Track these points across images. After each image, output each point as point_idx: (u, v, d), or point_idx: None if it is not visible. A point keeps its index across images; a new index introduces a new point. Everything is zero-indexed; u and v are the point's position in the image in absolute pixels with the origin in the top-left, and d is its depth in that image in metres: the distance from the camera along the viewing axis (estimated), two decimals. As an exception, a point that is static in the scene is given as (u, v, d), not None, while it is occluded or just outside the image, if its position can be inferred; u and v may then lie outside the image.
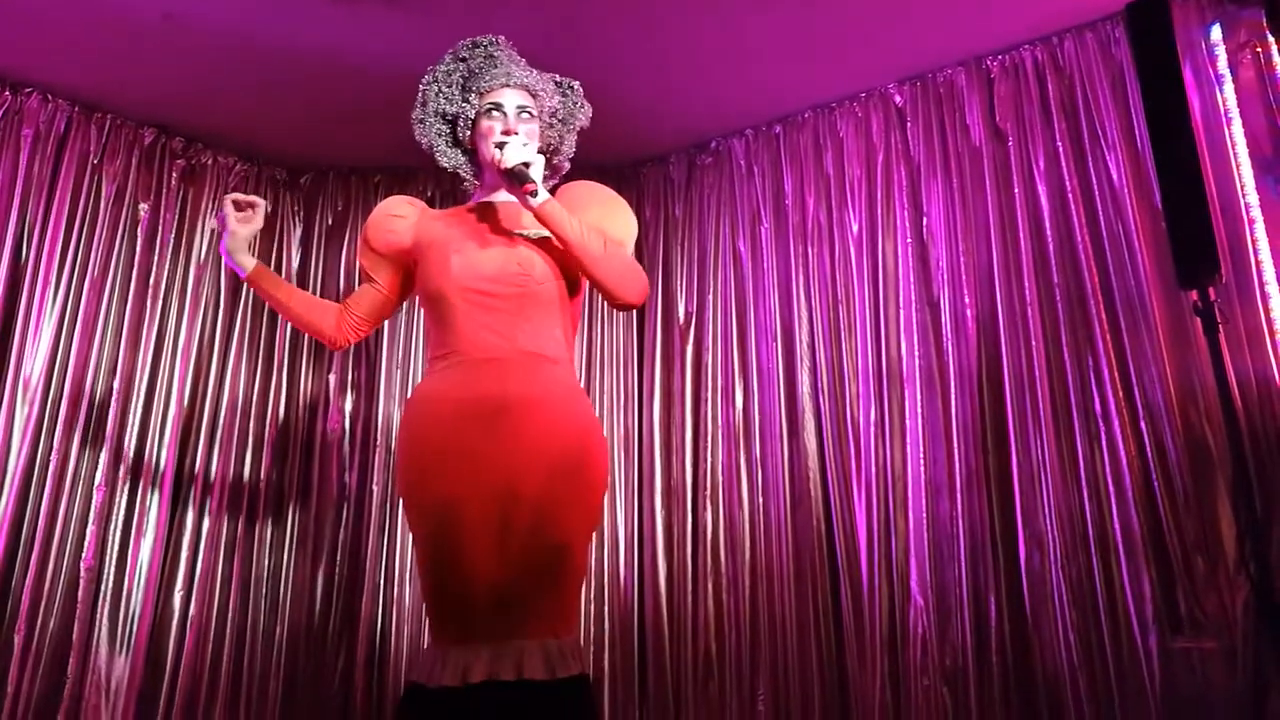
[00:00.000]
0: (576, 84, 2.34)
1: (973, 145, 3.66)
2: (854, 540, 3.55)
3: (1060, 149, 3.48)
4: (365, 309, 2.29)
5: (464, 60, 2.24)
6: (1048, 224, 3.45)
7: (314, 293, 4.28)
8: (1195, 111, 3.06)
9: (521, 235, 2.11)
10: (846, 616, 3.50)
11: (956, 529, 3.36)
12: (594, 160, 4.29)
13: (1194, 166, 2.88)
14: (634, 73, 3.73)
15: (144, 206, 3.95)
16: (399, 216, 2.24)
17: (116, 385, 3.75)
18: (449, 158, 2.24)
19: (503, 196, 2.18)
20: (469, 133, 2.20)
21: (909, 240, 3.71)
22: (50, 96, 3.76)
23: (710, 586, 3.80)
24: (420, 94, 2.24)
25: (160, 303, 3.92)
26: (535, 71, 2.25)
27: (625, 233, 2.18)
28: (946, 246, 3.63)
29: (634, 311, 4.32)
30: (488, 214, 2.18)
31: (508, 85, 2.18)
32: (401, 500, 2.12)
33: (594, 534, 2.11)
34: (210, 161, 4.19)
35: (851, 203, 3.87)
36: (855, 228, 3.84)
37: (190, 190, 4.12)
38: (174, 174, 4.08)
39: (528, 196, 2.02)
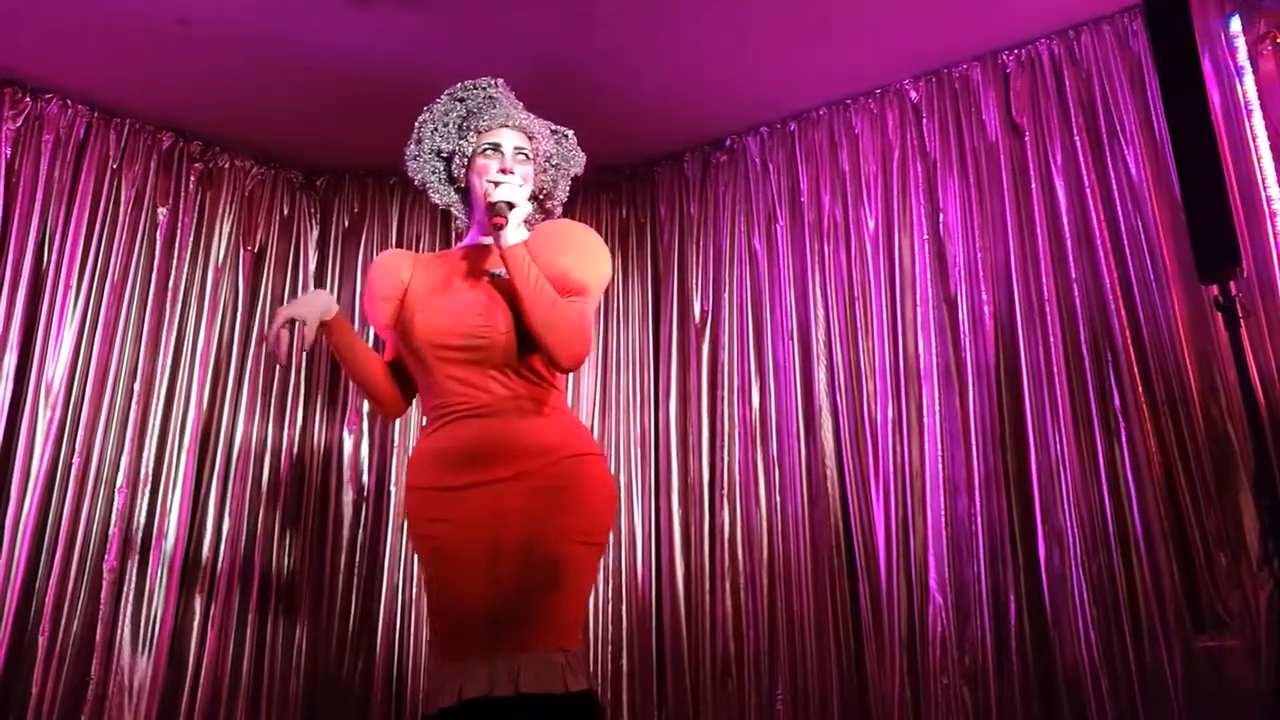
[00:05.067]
0: (570, 132, 2.35)
1: (989, 141, 3.64)
2: (872, 539, 3.54)
3: (1078, 143, 3.45)
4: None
5: (462, 100, 2.23)
6: (1065, 219, 3.42)
7: (330, 293, 4.30)
8: (1215, 104, 3.03)
9: (493, 276, 2.10)
10: (865, 615, 3.48)
11: (975, 527, 3.34)
12: (609, 159, 4.33)
13: (1214, 160, 2.84)
14: (648, 71, 3.73)
15: (162, 210, 3.99)
16: (398, 264, 2.23)
17: (137, 388, 3.78)
18: (442, 195, 2.24)
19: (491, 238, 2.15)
20: (464, 170, 2.19)
21: (925, 237, 3.70)
22: (70, 102, 3.79)
23: (728, 585, 3.79)
24: (415, 131, 2.24)
25: (179, 306, 3.96)
26: (533, 116, 2.26)
27: (591, 278, 2.13)
28: (963, 243, 3.61)
29: (650, 310, 4.33)
30: (472, 258, 2.18)
31: (506, 126, 2.18)
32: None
33: (600, 545, 2.05)
34: (227, 165, 4.22)
35: (867, 199, 3.85)
36: (871, 225, 3.82)
37: (208, 194, 4.15)
38: (192, 178, 4.11)
39: (497, 230, 2.01)
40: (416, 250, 4.38)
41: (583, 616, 2.03)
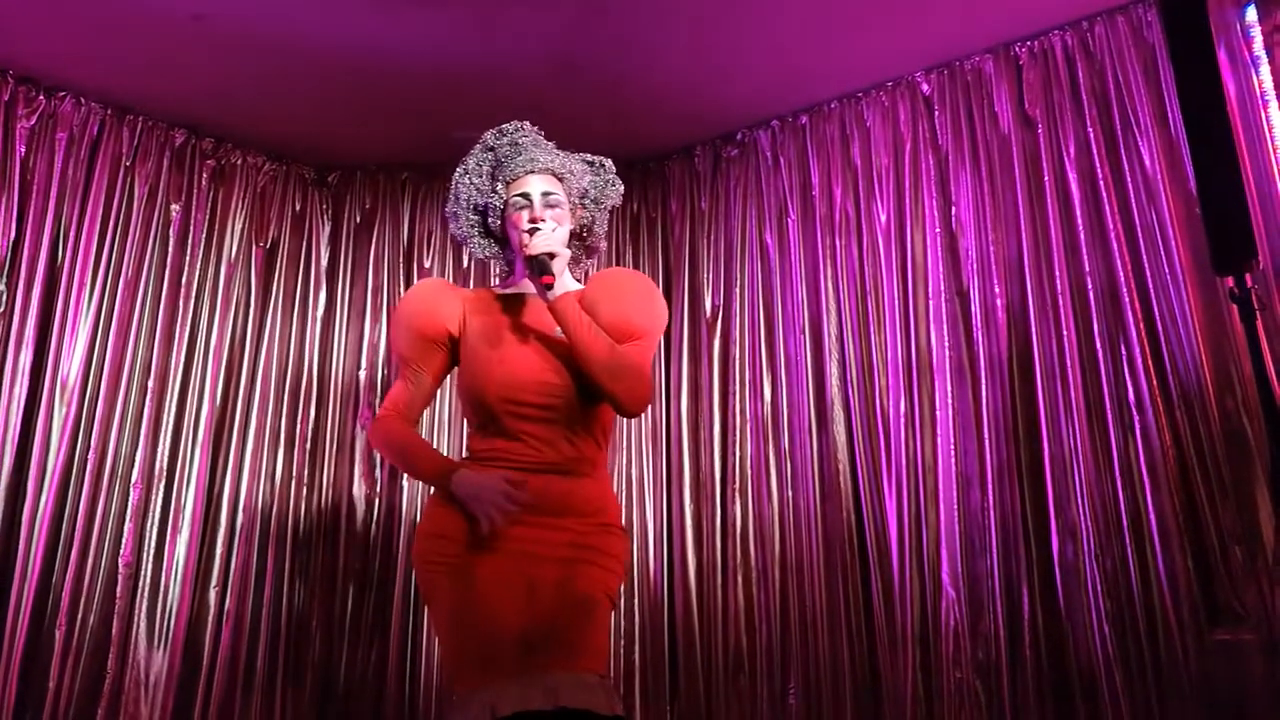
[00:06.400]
0: (608, 161, 2.33)
1: (1002, 133, 3.62)
2: (884, 532, 3.53)
3: (1091, 135, 3.43)
4: (420, 408, 2.19)
5: (491, 150, 2.23)
6: (1079, 212, 3.40)
7: (342, 289, 4.36)
8: (1230, 95, 3.00)
9: (560, 336, 2.10)
10: (877, 609, 3.48)
11: (988, 520, 3.33)
12: (619, 154, 4.30)
13: (1229, 151, 2.81)
14: (656, 66, 3.73)
15: (175, 207, 4.01)
16: (450, 298, 2.21)
17: (151, 384, 3.80)
18: (483, 248, 2.25)
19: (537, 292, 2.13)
20: (499, 223, 2.20)
21: (938, 230, 3.68)
22: (83, 100, 3.81)
23: (740, 579, 3.79)
24: (453, 186, 2.25)
25: (192, 302, 3.98)
26: (563, 154, 2.24)
27: (648, 324, 2.15)
28: (976, 236, 3.59)
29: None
30: (527, 310, 2.16)
31: (533, 172, 2.17)
32: (420, 587, 2.13)
33: (614, 603, 2.08)
34: (239, 161, 4.23)
35: (879, 193, 3.84)
36: (883, 218, 3.81)
37: (220, 190, 4.16)
38: (204, 174, 4.12)
39: (544, 288, 2.02)
40: (425, 247, 4.40)
41: (608, 651, 2.06)
